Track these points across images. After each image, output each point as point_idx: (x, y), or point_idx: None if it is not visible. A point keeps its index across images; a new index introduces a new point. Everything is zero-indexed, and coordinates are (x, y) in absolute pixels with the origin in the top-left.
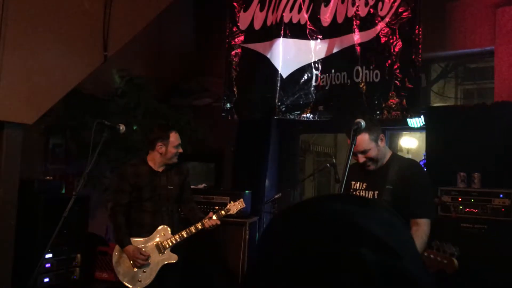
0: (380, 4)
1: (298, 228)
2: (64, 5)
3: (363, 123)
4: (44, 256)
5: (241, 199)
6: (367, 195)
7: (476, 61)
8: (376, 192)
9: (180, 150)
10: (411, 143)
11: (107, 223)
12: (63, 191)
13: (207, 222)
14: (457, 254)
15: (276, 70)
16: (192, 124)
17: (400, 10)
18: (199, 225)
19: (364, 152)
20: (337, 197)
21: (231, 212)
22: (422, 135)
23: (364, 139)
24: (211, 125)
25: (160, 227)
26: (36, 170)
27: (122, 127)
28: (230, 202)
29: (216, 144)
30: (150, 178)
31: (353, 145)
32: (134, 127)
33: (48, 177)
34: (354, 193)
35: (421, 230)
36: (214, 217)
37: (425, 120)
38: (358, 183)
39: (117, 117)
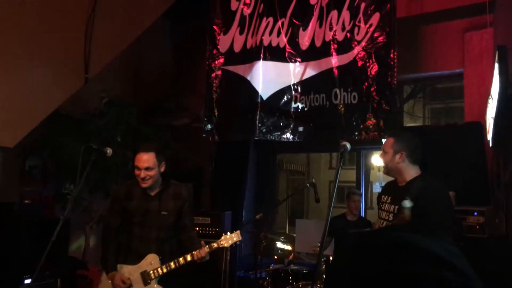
0: (356, 29)
1: (381, 253)
2: (46, 29)
3: (348, 146)
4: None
5: (238, 231)
6: (389, 209)
7: (443, 81)
8: (396, 207)
9: (141, 174)
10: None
11: (84, 246)
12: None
13: (196, 254)
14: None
15: (256, 92)
16: (171, 144)
17: (375, 35)
18: (188, 257)
19: (383, 151)
20: (404, 227)
21: (225, 245)
22: None
23: (388, 142)
24: (189, 145)
25: (148, 255)
26: (12, 193)
27: (109, 151)
28: (226, 234)
29: (195, 164)
30: (142, 202)
31: (340, 168)
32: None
33: (26, 201)
34: (382, 205)
35: None
36: (206, 249)
37: None
38: (386, 197)
39: (96, 138)
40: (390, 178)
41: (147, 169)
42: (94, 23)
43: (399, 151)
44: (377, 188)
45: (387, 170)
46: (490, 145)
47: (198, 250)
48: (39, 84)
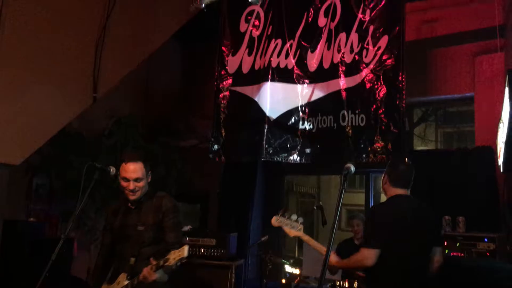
0: (364, 51)
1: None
2: (56, 47)
3: (352, 168)
4: None
5: (185, 246)
6: None
7: (454, 105)
8: None
9: (130, 186)
10: None
11: (89, 265)
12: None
13: (141, 275)
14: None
15: (263, 113)
16: (179, 164)
17: (384, 57)
18: (140, 277)
19: None
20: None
21: (168, 263)
22: None
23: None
24: (197, 166)
25: (120, 275)
26: (18, 210)
27: (112, 170)
28: (174, 250)
29: (202, 185)
30: (123, 216)
31: (344, 190)
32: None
33: (31, 219)
34: None
35: (356, 255)
36: (152, 269)
37: None
38: None
39: (104, 157)
40: None
41: (136, 180)
42: (104, 42)
43: (384, 174)
44: None
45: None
46: (501, 170)
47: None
48: (47, 101)
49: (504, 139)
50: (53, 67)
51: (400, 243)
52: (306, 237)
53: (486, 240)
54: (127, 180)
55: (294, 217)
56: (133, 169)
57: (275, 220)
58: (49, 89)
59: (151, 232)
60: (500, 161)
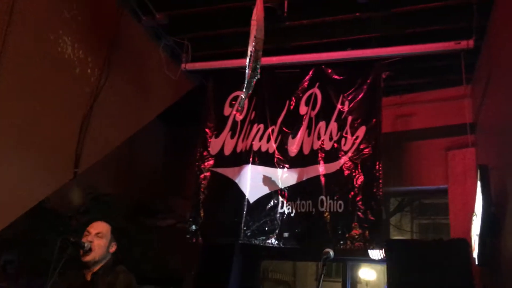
0: (343, 140)
1: None
2: (41, 121)
3: (331, 253)
4: None
5: None
6: None
7: (430, 197)
8: None
9: (88, 238)
10: (370, 275)
11: None
12: None
13: None
14: None
15: (243, 195)
16: (154, 244)
17: (361, 146)
18: None
19: None
20: None
21: None
22: (381, 267)
23: None
24: (173, 247)
25: None
26: None
27: (87, 245)
28: None
29: (176, 267)
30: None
31: (323, 275)
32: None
33: None
34: None
35: None
36: None
37: (385, 253)
38: None
39: (79, 234)
40: None
41: (98, 234)
42: (90, 119)
43: None
44: None
45: None
46: (476, 263)
47: None
48: (24, 174)
49: (478, 232)
50: (35, 139)
51: None
52: None
53: None
54: (89, 233)
55: None
56: (98, 225)
57: None
58: (29, 161)
59: None
60: (475, 254)
